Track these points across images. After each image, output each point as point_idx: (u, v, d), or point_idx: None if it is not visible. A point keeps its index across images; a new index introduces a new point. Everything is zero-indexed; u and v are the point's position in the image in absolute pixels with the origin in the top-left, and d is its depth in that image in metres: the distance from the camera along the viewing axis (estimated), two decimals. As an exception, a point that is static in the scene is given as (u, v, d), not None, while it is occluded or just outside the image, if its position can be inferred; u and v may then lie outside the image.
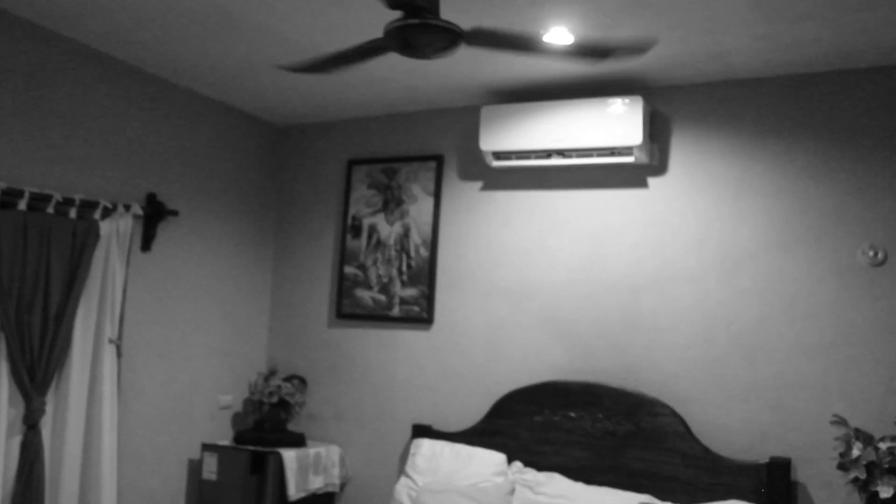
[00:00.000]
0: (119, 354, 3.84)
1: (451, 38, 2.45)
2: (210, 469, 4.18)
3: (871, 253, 3.42)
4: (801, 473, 3.42)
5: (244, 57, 3.84)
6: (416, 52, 2.50)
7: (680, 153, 3.87)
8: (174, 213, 4.20)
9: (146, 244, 4.09)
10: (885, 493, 3.04)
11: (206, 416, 4.49)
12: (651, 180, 3.92)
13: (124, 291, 3.88)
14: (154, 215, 4.09)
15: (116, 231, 3.80)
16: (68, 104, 3.69)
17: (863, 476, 3.09)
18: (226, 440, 4.43)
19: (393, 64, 3.79)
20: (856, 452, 3.13)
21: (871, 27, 3.11)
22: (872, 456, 3.08)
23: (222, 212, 4.62)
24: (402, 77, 4.02)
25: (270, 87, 4.32)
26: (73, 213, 3.61)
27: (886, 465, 3.05)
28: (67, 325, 3.56)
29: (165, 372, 4.22)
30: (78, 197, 3.63)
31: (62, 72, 3.66)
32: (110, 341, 3.75)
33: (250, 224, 4.85)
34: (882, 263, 3.40)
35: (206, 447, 4.24)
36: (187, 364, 4.37)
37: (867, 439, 3.16)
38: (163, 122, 4.22)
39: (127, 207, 3.88)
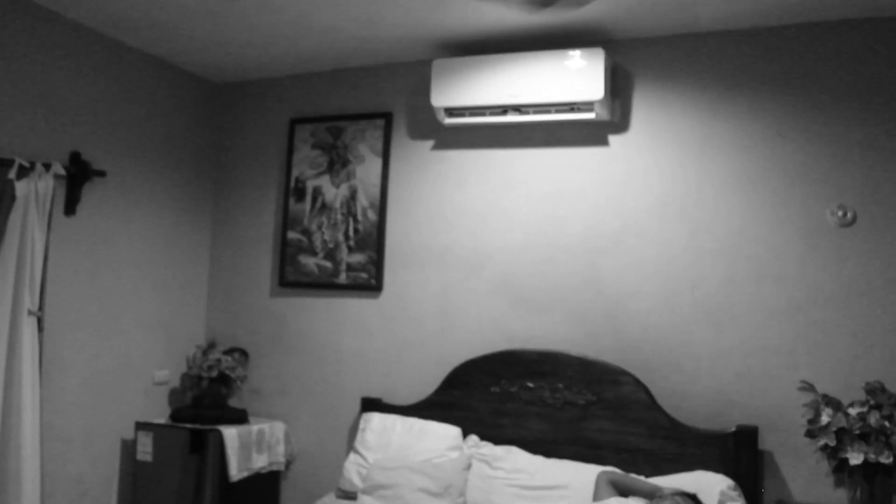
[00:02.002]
0: (40, 328, 3.55)
1: None
2: (145, 449, 3.97)
3: (840, 213, 3.31)
4: (768, 442, 3.31)
5: (176, 4, 3.52)
6: None
7: (643, 109, 3.70)
8: (101, 173, 3.89)
9: (70, 207, 3.78)
10: (854, 459, 2.97)
11: (140, 392, 4.24)
12: (612, 138, 3.75)
13: (45, 259, 3.57)
14: (78, 175, 3.78)
15: (35, 192, 3.48)
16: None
17: (832, 443, 3.01)
18: (162, 418, 4.19)
19: (339, 12, 3.55)
20: (825, 419, 3.06)
21: (846, -27, 2.97)
22: (843, 422, 3.00)
23: (155, 173, 4.32)
24: (349, 27, 3.75)
25: (206, 40, 4.01)
26: (-17, 172, 3.30)
27: (857, 432, 2.97)
28: (-21, 295, 3.27)
29: (94, 346, 3.95)
30: (-11, 154, 3.33)
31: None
32: (30, 313, 3.46)
33: (186, 187, 4.55)
34: (851, 224, 3.30)
35: (141, 426, 4.02)
36: (118, 337, 4.10)
37: (836, 405, 3.07)
38: (88, 74, 3.88)
39: (47, 167, 3.56)
